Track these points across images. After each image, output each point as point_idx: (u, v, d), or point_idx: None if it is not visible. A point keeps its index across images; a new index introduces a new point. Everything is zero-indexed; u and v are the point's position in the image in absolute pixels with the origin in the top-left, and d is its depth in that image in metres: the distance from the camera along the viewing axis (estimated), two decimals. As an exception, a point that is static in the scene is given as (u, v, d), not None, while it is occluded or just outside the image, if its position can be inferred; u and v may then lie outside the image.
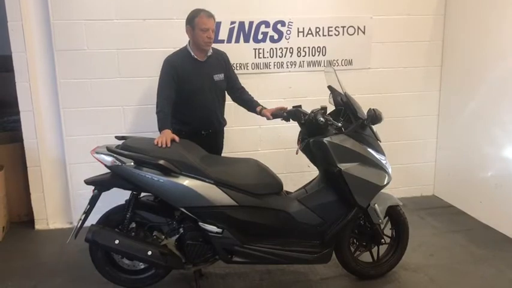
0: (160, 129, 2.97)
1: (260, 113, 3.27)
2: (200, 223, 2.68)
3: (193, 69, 3.15)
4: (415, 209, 4.23)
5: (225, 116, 3.40)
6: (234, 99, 3.45)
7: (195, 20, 3.06)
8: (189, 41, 3.18)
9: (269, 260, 2.81)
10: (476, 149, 3.98)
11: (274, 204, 2.81)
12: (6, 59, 3.83)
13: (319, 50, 4.08)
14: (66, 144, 3.82)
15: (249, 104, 3.37)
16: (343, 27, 4.08)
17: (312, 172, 3.15)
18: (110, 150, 2.67)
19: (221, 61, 3.30)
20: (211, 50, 3.22)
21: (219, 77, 3.24)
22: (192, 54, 3.15)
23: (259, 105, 3.31)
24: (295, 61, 4.06)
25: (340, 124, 2.83)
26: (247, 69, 3.96)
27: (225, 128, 3.44)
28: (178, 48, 3.23)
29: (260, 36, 3.94)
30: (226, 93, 3.40)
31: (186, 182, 2.63)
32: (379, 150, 2.90)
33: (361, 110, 2.87)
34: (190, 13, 3.12)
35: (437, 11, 4.25)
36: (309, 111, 2.92)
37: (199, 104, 3.18)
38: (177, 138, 2.84)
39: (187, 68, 3.14)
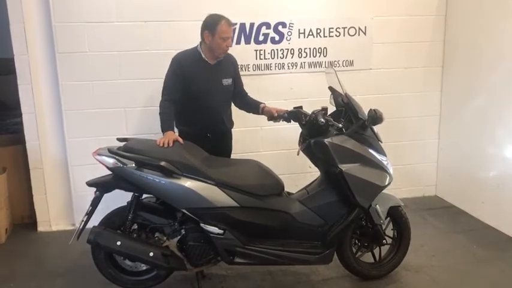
0: (163, 130, 2.98)
1: (263, 111, 3.23)
2: (202, 224, 2.68)
3: (201, 71, 3.10)
4: (417, 210, 4.22)
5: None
6: (235, 104, 3.41)
7: (217, 28, 2.97)
8: (201, 43, 3.12)
9: (270, 261, 2.81)
10: (478, 149, 3.97)
11: (275, 205, 2.81)
12: (8, 61, 3.84)
13: (320, 51, 4.08)
14: (68, 146, 3.83)
15: (250, 105, 3.34)
16: (344, 28, 4.08)
17: (313, 173, 3.16)
18: (112, 152, 2.68)
19: (230, 66, 3.26)
20: None
21: (227, 81, 3.20)
22: (203, 56, 3.10)
23: (262, 103, 3.29)
24: (296, 62, 4.06)
25: (341, 125, 2.83)
26: (248, 70, 3.96)
27: (232, 130, 3.42)
28: (179, 51, 3.21)
29: (261, 38, 3.95)
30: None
31: (188, 183, 2.64)
32: (380, 151, 2.90)
33: (362, 110, 2.87)
34: (209, 18, 3.04)
35: (438, 11, 4.25)
36: (310, 112, 2.92)
37: (206, 107, 3.14)
38: (180, 140, 2.86)
39: (195, 69, 3.09)
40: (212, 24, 3.00)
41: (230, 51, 3.34)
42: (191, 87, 3.09)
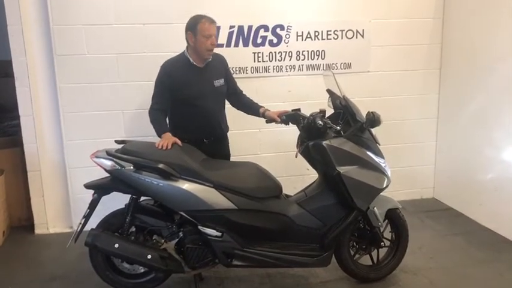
0: (160, 134, 2.97)
1: (263, 115, 3.21)
2: (200, 227, 2.68)
3: (191, 76, 3.08)
4: (415, 212, 4.23)
5: (225, 120, 3.40)
6: (232, 104, 3.39)
7: (198, 27, 2.97)
8: (187, 47, 3.11)
9: (269, 264, 2.81)
10: (476, 151, 3.98)
11: (273, 207, 2.81)
12: (6, 64, 3.84)
13: (318, 53, 4.09)
14: (66, 148, 3.83)
15: (249, 106, 3.32)
16: (342, 30, 4.09)
17: (311, 175, 3.15)
18: (110, 154, 2.68)
19: (220, 66, 3.23)
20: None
21: (219, 82, 3.17)
22: (191, 60, 3.07)
23: (262, 106, 3.27)
24: (294, 65, 4.07)
25: (339, 127, 2.84)
26: (246, 73, 3.97)
27: (228, 133, 3.42)
28: (177, 53, 3.19)
29: (259, 40, 3.95)
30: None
31: (186, 185, 2.64)
32: (378, 153, 2.90)
33: (360, 113, 2.87)
34: (191, 19, 3.04)
35: (436, 14, 4.27)
36: (308, 114, 2.92)
37: (200, 111, 3.11)
38: (179, 142, 2.86)
39: (184, 74, 3.06)
40: (193, 24, 3.00)
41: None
42: (183, 91, 3.06)
